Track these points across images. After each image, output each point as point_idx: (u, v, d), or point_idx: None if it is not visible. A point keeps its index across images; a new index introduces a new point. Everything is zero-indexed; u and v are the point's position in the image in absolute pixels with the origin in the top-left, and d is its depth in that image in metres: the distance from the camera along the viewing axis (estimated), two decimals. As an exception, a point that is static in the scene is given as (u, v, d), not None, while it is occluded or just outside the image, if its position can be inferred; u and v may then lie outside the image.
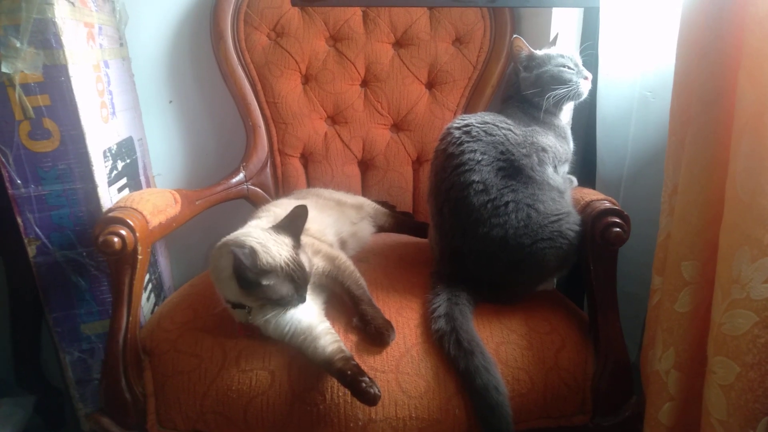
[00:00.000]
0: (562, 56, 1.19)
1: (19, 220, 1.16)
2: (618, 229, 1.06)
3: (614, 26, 1.24)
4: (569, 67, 1.18)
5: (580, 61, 1.20)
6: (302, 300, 0.98)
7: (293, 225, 1.01)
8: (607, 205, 1.10)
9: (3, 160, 1.12)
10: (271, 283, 0.94)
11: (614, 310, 1.08)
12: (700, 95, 0.84)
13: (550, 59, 1.19)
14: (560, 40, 1.42)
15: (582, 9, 1.45)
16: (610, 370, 1.05)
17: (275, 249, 0.96)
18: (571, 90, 1.17)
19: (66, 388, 1.35)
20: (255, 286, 0.93)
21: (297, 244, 0.99)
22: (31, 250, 1.19)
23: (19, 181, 1.14)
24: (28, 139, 1.13)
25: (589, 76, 1.20)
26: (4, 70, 1.06)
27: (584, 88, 1.19)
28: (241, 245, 0.94)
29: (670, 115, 0.93)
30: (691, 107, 0.86)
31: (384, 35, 1.59)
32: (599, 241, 1.07)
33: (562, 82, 1.16)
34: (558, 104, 1.19)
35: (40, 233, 1.18)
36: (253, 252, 0.93)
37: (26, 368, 1.49)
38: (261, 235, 0.98)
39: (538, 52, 1.21)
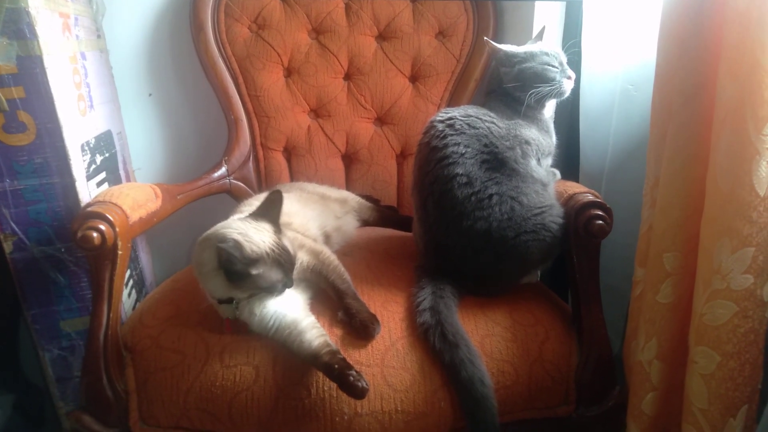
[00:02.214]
0: (547, 54, 1.19)
1: (-6, 215, 1.14)
2: (601, 222, 1.06)
3: (598, 19, 1.24)
4: (553, 66, 1.18)
5: (565, 60, 1.20)
6: (290, 284, 0.98)
7: (270, 211, 1.01)
8: (590, 197, 1.11)
9: (-24, 154, 1.09)
10: (260, 271, 0.94)
11: (597, 302, 1.10)
12: (681, 89, 0.85)
13: (533, 56, 1.18)
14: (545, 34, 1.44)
15: (564, 2, 1.46)
16: (594, 362, 1.06)
17: (257, 237, 0.95)
18: (553, 89, 1.17)
19: (46, 386, 1.32)
20: (244, 277, 0.93)
21: (278, 229, 1.00)
22: (8, 246, 1.16)
23: (-7, 176, 1.11)
24: (3, 133, 1.10)
25: (573, 75, 1.20)
26: (-24, 61, 1.03)
27: (567, 86, 1.19)
28: (223, 239, 0.93)
29: (652, 108, 0.94)
30: (672, 101, 0.87)
31: (367, 28, 1.58)
32: (582, 233, 1.08)
33: (545, 80, 1.17)
34: (540, 101, 1.20)
35: (16, 229, 1.15)
36: (237, 243, 0.92)
37: (4, 366, 1.46)
38: (240, 225, 0.98)
39: (519, 49, 1.21)
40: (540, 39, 1.26)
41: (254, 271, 0.93)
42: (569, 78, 1.19)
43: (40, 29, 1.07)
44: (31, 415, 1.50)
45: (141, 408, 1.01)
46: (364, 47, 1.58)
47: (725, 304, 0.78)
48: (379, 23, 1.58)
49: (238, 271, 0.92)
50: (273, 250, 0.95)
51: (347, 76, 1.60)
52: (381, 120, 1.63)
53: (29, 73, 1.07)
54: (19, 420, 1.45)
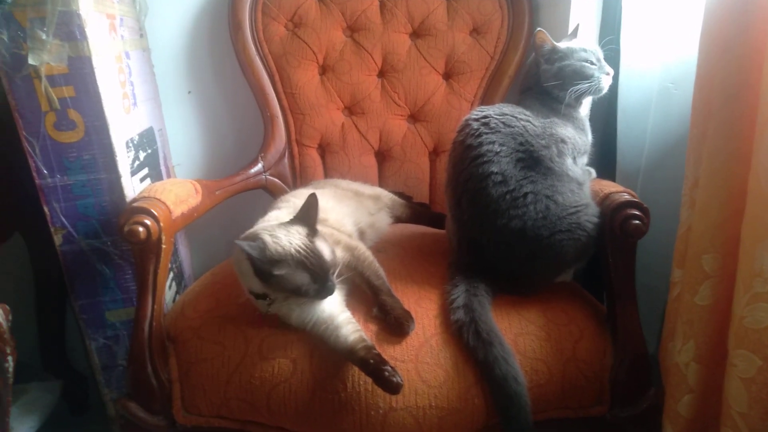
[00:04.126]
0: (585, 50, 1.18)
1: (45, 209, 1.19)
2: (637, 222, 1.05)
3: (637, 16, 1.22)
4: (591, 62, 1.17)
5: (602, 56, 1.19)
6: (326, 290, 0.97)
7: (307, 214, 1.02)
8: (627, 197, 1.10)
9: (30, 150, 1.14)
10: (283, 272, 0.95)
11: (633, 301, 1.09)
12: (723, 88, 0.84)
13: (572, 53, 1.18)
14: (581, 31, 1.42)
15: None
16: (629, 362, 1.06)
17: (285, 238, 0.97)
18: (592, 85, 1.16)
19: (92, 374, 1.38)
20: (269, 276, 0.95)
21: (312, 232, 1.00)
22: (58, 239, 1.21)
23: (45, 171, 1.16)
24: (54, 130, 1.15)
25: (611, 72, 1.19)
26: (30, 62, 1.08)
27: (605, 83, 1.18)
28: (252, 238, 0.97)
29: (692, 107, 0.93)
30: (713, 100, 0.86)
31: (401, 25, 1.58)
32: (618, 233, 1.07)
33: (584, 77, 1.16)
34: (579, 98, 1.19)
35: (66, 222, 1.20)
36: (262, 243, 0.95)
37: (52, 354, 1.53)
38: (275, 228, 1.00)
39: (561, 45, 1.20)
40: (575, 36, 1.25)
41: (276, 272, 0.94)
42: (608, 74, 1.18)
43: (89, 31, 1.11)
44: (76, 401, 1.57)
45: (183, 397, 1.05)
46: (398, 45, 1.59)
47: (767, 307, 0.77)
48: (414, 20, 1.58)
49: (263, 271, 0.95)
50: (299, 252, 0.95)
51: (381, 74, 1.61)
52: (414, 117, 1.64)
53: (79, 73, 1.12)
54: (67, 405, 1.52)
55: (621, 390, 1.06)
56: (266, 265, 0.94)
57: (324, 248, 0.99)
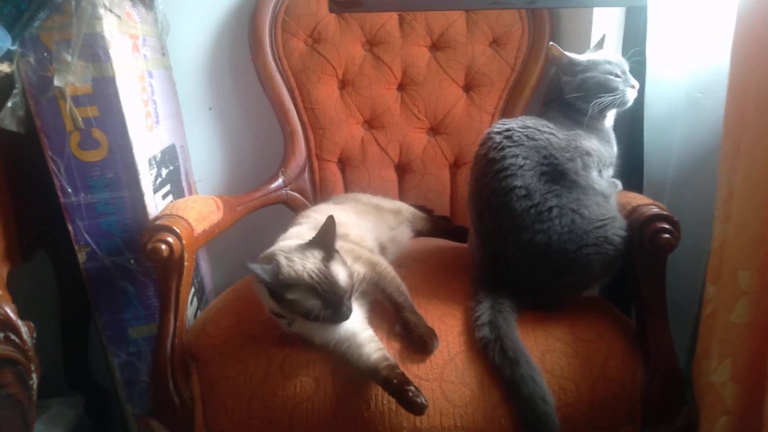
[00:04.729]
0: (610, 62, 1.16)
1: (69, 227, 1.20)
2: (667, 235, 1.03)
3: (663, 24, 1.20)
4: (616, 75, 1.15)
5: (627, 68, 1.17)
6: (339, 315, 0.95)
7: (324, 237, 1.00)
8: (656, 210, 1.07)
9: (55, 169, 1.16)
10: (295, 297, 0.94)
11: (664, 317, 1.06)
12: (758, 98, 0.81)
13: (596, 65, 1.16)
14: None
15: (624, 9, 1.42)
16: (661, 380, 1.02)
17: (300, 262, 0.96)
18: (616, 98, 1.14)
19: (114, 390, 1.38)
20: (282, 299, 0.95)
21: (328, 256, 0.98)
22: (81, 257, 1.22)
23: (69, 190, 1.17)
24: (78, 149, 1.16)
25: (636, 84, 1.17)
26: (56, 83, 1.09)
27: (630, 96, 1.16)
28: (268, 260, 0.97)
29: (725, 117, 0.90)
30: (747, 111, 0.83)
31: (420, 38, 1.58)
32: (648, 247, 1.04)
33: (609, 90, 1.14)
34: (602, 111, 1.17)
35: (89, 240, 1.21)
36: (276, 267, 0.94)
37: (75, 369, 1.54)
38: (292, 250, 0.99)
39: (582, 58, 1.18)
40: (600, 47, 1.23)
41: (289, 296, 0.94)
42: (633, 87, 1.16)
43: (113, 52, 1.12)
44: (99, 417, 1.57)
45: (205, 415, 1.05)
46: (417, 58, 1.58)
47: (808, 325, 0.74)
48: (433, 33, 1.58)
49: (276, 293, 0.94)
50: (311, 277, 0.94)
51: (401, 87, 1.61)
52: (434, 130, 1.63)
53: (103, 93, 1.13)
54: (89, 421, 1.53)
55: (653, 409, 1.02)
56: (278, 289, 0.94)
57: (340, 272, 0.97)
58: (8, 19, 1.07)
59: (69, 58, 1.09)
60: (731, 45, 0.87)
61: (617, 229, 1.08)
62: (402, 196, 1.63)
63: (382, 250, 1.29)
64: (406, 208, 1.50)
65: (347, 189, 1.63)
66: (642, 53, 1.23)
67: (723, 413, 0.92)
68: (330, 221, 0.99)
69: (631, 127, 1.39)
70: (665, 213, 1.06)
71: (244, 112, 1.71)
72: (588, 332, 1.08)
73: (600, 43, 1.24)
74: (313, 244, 1.01)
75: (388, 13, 1.56)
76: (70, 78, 1.10)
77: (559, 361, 1.03)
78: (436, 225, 1.52)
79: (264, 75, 1.56)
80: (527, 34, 1.56)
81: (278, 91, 1.57)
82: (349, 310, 0.96)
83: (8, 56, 1.09)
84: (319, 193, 1.63)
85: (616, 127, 1.25)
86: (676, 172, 1.30)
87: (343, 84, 1.60)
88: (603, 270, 1.10)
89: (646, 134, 1.30)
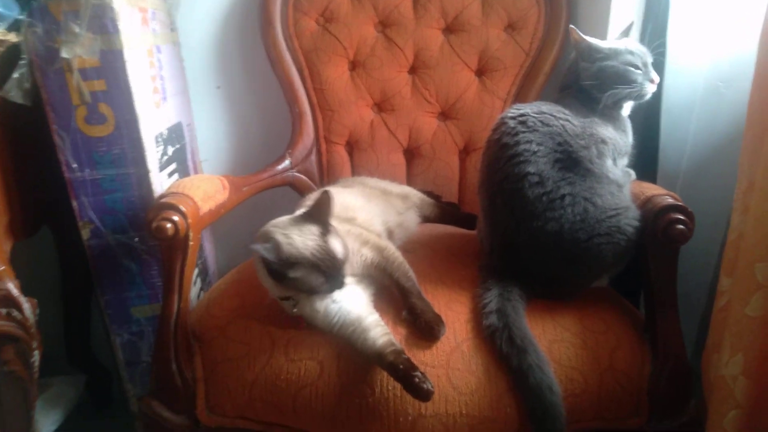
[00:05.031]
0: (632, 53, 1.12)
1: (74, 203, 1.18)
2: (681, 226, 1.01)
3: (686, 10, 1.16)
4: (636, 66, 1.11)
5: (650, 60, 1.13)
6: (339, 285, 0.96)
7: (320, 212, 0.99)
8: (670, 200, 1.05)
9: (60, 144, 1.14)
10: (298, 275, 0.93)
11: (674, 310, 1.04)
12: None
13: (616, 54, 1.12)
14: (618, 27, 1.36)
15: (643, -6, 1.38)
16: (669, 372, 1.01)
17: (300, 239, 0.94)
18: (633, 91, 1.11)
19: (116, 369, 1.38)
20: (283, 278, 0.93)
21: (326, 231, 0.97)
22: (85, 233, 1.21)
23: (75, 165, 1.16)
24: (84, 124, 1.14)
25: (656, 79, 1.13)
26: (63, 55, 1.07)
27: (649, 90, 1.13)
28: (265, 238, 0.94)
29: (749, 108, 0.88)
30: (773, 100, 0.81)
31: (434, 21, 1.55)
32: (661, 238, 1.03)
33: (626, 81, 1.11)
34: (617, 103, 1.14)
35: (93, 217, 1.20)
36: (276, 245, 0.93)
37: (77, 348, 1.54)
38: (287, 225, 0.98)
39: (604, 44, 1.15)
40: (626, 35, 1.19)
41: (292, 274, 0.93)
42: (652, 81, 1.13)
43: (122, 24, 1.10)
44: (99, 395, 1.57)
45: (208, 396, 1.04)
46: (430, 40, 1.55)
47: (828, 321, 0.72)
48: (447, 16, 1.55)
49: (277, 272, 0.93)
50: (314, 254, 0.93)
51: (412, 70, 1.58)
52: (445, 114, 1.60)
53: (110, 66, 1.11)
54: (90, 400, 1.53)
55: (660, 401, 1.01)
56: (281, 266, 0.92)
57: (336, 245, 0.97)
58: (16, -12, 1.05)
59: (77, 29, 1.06)
60: (760, 34, 0.84)
61: (630, 219, 1.06)
62: (410, 181, 1.61)
63: (390, 234, 1.27)
64: (414, 193, 1.48)
65: (355, 172, 1.61)
66: (662, 37, 1.20)
67: (733, 407, 0.90)
68: (324, 195, 0.98)
69: (647, 115, 1.37)
70: (680, 204, 1.03)
71: (252, 92, 1.69)
72: (597, 323, 1.06)
73: (626, 31, 1.20)
74: (307, 218, 0.99)
75: (401, -7, 1.53)
76: (78, 50, 1.08)
77: (567, 351, 1.01)
78: (443, 211, 1.51)
79: (274, 54, 1.53)
80: (543, 19, 1.52)
81: (288, 71, 1.54)
82: (345, 279, 0.97)
83: (15, 26, 1.07)
84: (326, 176, 1.61)
85: (632, 115, 1.23)
86: (691, 162, 1.28)
87: (354, 65, 1.57)
88: (614, 260, 1.08)
89: (663, 123, 1.27)
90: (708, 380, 1.00)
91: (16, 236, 1.15)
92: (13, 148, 1.16)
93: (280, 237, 0.94)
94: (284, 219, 1.01)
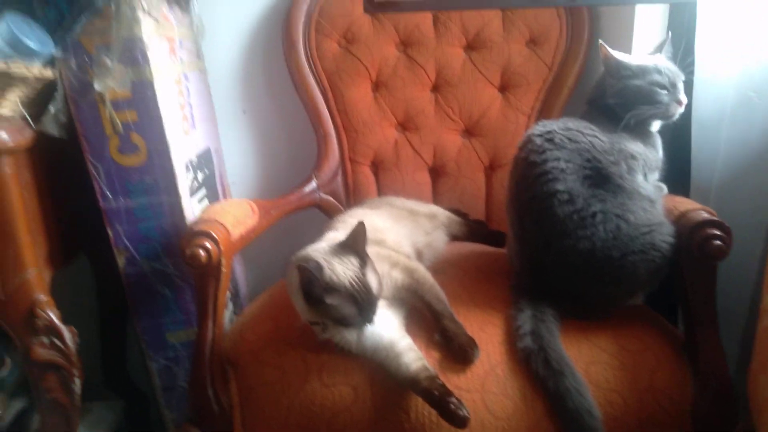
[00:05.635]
0: (660, 72, 1.10)
1: (109, 231, 1.21)
2: (719, 242, 0.99)
3: (713, 19, 1.14)
4: (663, 86, 1.10)
5: (680, 80, 1.12)
6: (369, 321, 0.96)
7: (356, 242, 0.99)
8: (706, 215, 1.03)
9: (95, 174, 1.17)
10: (335, 302, 0.93)
11: (714, 328, 1.02)
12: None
13: (644, 73, 1.10)
14: (642, 38, 1.35)
15: (668, 6, 1.37)
16: (712, 393, 0.98)
17: (340, 268, 0.95)
18: (658, 112, 1.10)
19: (153, 395, 1.39)
20: (319, 303, 0.93)
21: (363, 263, 0.97)
22: (121, 261, 1.23)
23: (109, 195, 1.18)
24: (118, 154, 1.17)
25: (684, 100, 1.11)
26: (96, 88, 1.10)
27: (675, 111, 1.11)
28: (307, 260, 0.94)
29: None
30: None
31: (455, 39, 1.55)
32: (697, 254, 1.00)
33: (651, 102, 1.09)
34: (641, 124, 1.12)
35: (128, 245, 1.22)
36: (319, 266, 0.93)
37: (114, 373, 1.56)
38: (328, 252, 0.98)
39: (633, 61, 1.13)
40: (660, 51, 1.16)
41: (329, 300, 0.93)
42: (679, 103, 1.11)
43: (151, 55, 1.13)
44: (138, 420, 1.59)
45: (244, 422, 1.04)
46: (452, 58, 1.55)
47: None
48: (468, 33, 1.55)
49: (315, 295, 0.93)
50: (352, 285, 0.93)
51: (435, 88, 1.58)
52: (469, 132, 1.60)
53: (141, 97, 1.14)
54: (128, 425, 1.54)
55: (704, 424, 0.99)
56: (320, 290, 0.93)
57: (373, 280, 0.97)
58: (51, 24, 1.08)
59: (109, 63, 1.09)
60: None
61: (665, 235, 1.04)
62: (436, 200, 1.61)
63: (419, 255, 1.26)
64: (441, 212, 1.47)
65: (380, 192, 1.62)
66: (689, 49, 1.18)
67: (782, 431, 0.87)
68: (360, 227, 0.98)
69: (675, 127, 1.34)
70: (716, 219, 1.01)
71: (278, 115, 1.71)
72: (634, 342, 1.04)
73: (660, 46, 1.17)
74: (346, 248, 0.99)
75: (422, 13, 1.54)
76: (110, 82, 1.11)
77: (605, 372, 0.99)
78: (471, 229, 1.49)
79: (297, 77, 1.55)
80: (565, 33, 1.51)
81: (311, 94, 1.56)
82: (375, 315, 0.96)
83: (50, 61, 1.10)
84: (352, 197, 1.61)
85: (662, 127, 1.21)
86: (724, 174, 1.25)
87: (377, 86, 1.58)
88: (649, 278, 1.06)
89: (694, 135, 1.25)
90: (756, 403, 0.97)
91: (56, 266, 1.17)
92: (51, 180, 1.20)
93: (322, 262, 0.95)
94: (323, 245, 1.02)
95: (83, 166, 1.17)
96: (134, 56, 1.12)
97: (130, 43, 1.11)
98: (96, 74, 1.11)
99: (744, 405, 1.02)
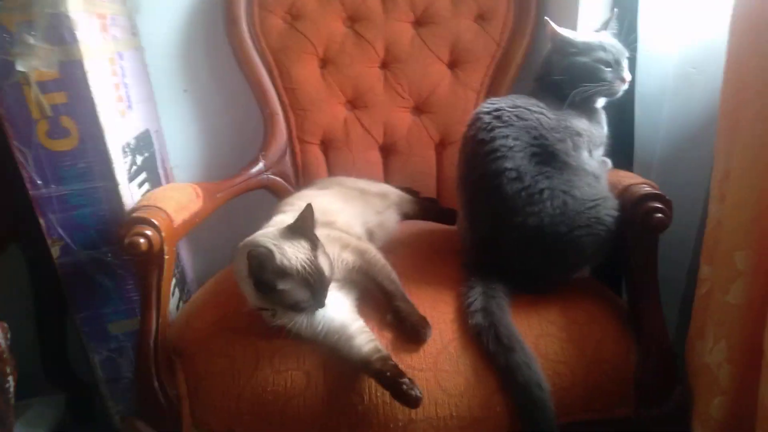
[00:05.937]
0: (605, 49, 1.11)
1: (41, 220, 1.14)
2: (660, 215, 1.01)
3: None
4: (607, 64, 1.10)
5: (624, 57, 1.13)
6: (320, 305, 0.94)
7: (305, 226, 0.96)
8: (647, 189, 1.05)
9: (22, 160, 1.10)
10: (287, 287, 0.91)
11: (656, 297, 1.05)
12: (757, 75, 0.79)
13: (589, 50, 1.11)
14: (588, 15, 1.35)
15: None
16: (654, 360, 1.02)
17: (291, 252, 0.92)
18: (602, 89, 1.11)
19: (96, 387, 1.34)
20: (270, 289, 0.91)
21: (314, 246, 0.95)
22: (55, 251, 1.17)
23: (39, 182, 1.12)
24: (47, 139, 1.10)
25: (628, 77, 1.12)
26: (19, 68, 1.02)
27: (619, 88, 1.13)
28: (256, 246, 0.92)
29: (721, 95, 0.88)
30: (746, 88, 0.81)
31: (403, 14, 1.52)
32: (640, 226, 1.03)
33: (595, 79, 1.10)
34: (586, 100, 1.13)
35: (63, 233, 1.16)
36: (270, 252, 0.90)
37: (55, 366, 1.49)
38: (278, 237, 0.95)
39: (578, 38, 1.13)
40: (605, 28, 1.17)
41: (281, 286, 0.90)
42: (623, 80, 1.12)
43: (80, 33, 1.06)
44: (81, 413, 1.53)
45: (194, 413, 1.01)
46: (400, 34, 1.53)
47: (807, 307, 0.73)
48: (416, 8, 1.52)
49: (266, 282, 0.90)
50: (304, 269, 0.91)
51: (384, 65, 1.56)
52: (419, 109, 1.58)
53: (71, 78, 1.07)
54: (71, 418, 1.49)
55: (646, 390, 1.02)
56: (271, 276, 0.90)
57: (324, 263, 0.95)
58: (-38, 0, 0.99)
59: (32, 41, 1.02)
60: (729, 19, 0.84)
61: (609, 209, 1.06)
62: (387, 178, 1.59)
63: (370, 235, 1.25)
64: (393, 191, 1.46)
65: (330, 172, 1.59)
66: (632, 24, 1.19)
67: (718, 394, 0.92)
68: (308, 209, 0.96)
69: (620, 103, 1.37)
70: (658, 192, 1.04)
71: (221, 95, 1.64)
72: (581, 315, 1.07)
73: (605, 23, 1.18)
74: (295, 232, 0.96)
75: (369, -14, 1.50)
76: (35, 62, 1.03)
77: (553, 345, 1.01)
78: (423, 207, 1.49)
79: (241, 55, 1.49)
80: (513, 9, 1.51)
81: (256, 72, 1.51)
82: (326, 298, 0.95)
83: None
84: (301, 177, 1.58)
85: (607, 102, 1.22)
86: (665, 148, 1.29)
87: (324, 63, 1.54)
88: (596, 251, 1.08)
89: (637, 111, 1.27)
90: (692, 367, 1.02)
91: (-18, 258, 1.10)
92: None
93: (272, 246, 0.92)
94: (272, 230, 0.98)
95: (10, 152, 1.09)
96: (61, 34, 1.05)
97: (56, 19, 1.03)
98: (18, 53, 1.03)
99: (682, 369, 1.07)
